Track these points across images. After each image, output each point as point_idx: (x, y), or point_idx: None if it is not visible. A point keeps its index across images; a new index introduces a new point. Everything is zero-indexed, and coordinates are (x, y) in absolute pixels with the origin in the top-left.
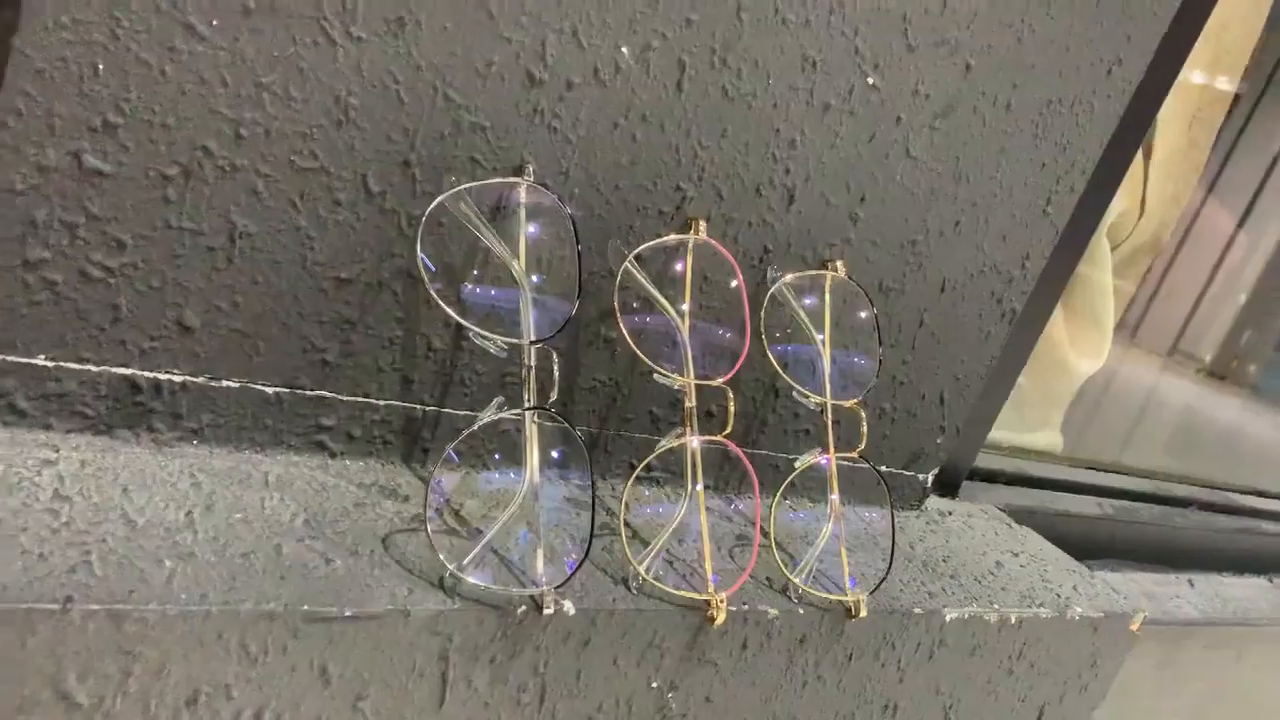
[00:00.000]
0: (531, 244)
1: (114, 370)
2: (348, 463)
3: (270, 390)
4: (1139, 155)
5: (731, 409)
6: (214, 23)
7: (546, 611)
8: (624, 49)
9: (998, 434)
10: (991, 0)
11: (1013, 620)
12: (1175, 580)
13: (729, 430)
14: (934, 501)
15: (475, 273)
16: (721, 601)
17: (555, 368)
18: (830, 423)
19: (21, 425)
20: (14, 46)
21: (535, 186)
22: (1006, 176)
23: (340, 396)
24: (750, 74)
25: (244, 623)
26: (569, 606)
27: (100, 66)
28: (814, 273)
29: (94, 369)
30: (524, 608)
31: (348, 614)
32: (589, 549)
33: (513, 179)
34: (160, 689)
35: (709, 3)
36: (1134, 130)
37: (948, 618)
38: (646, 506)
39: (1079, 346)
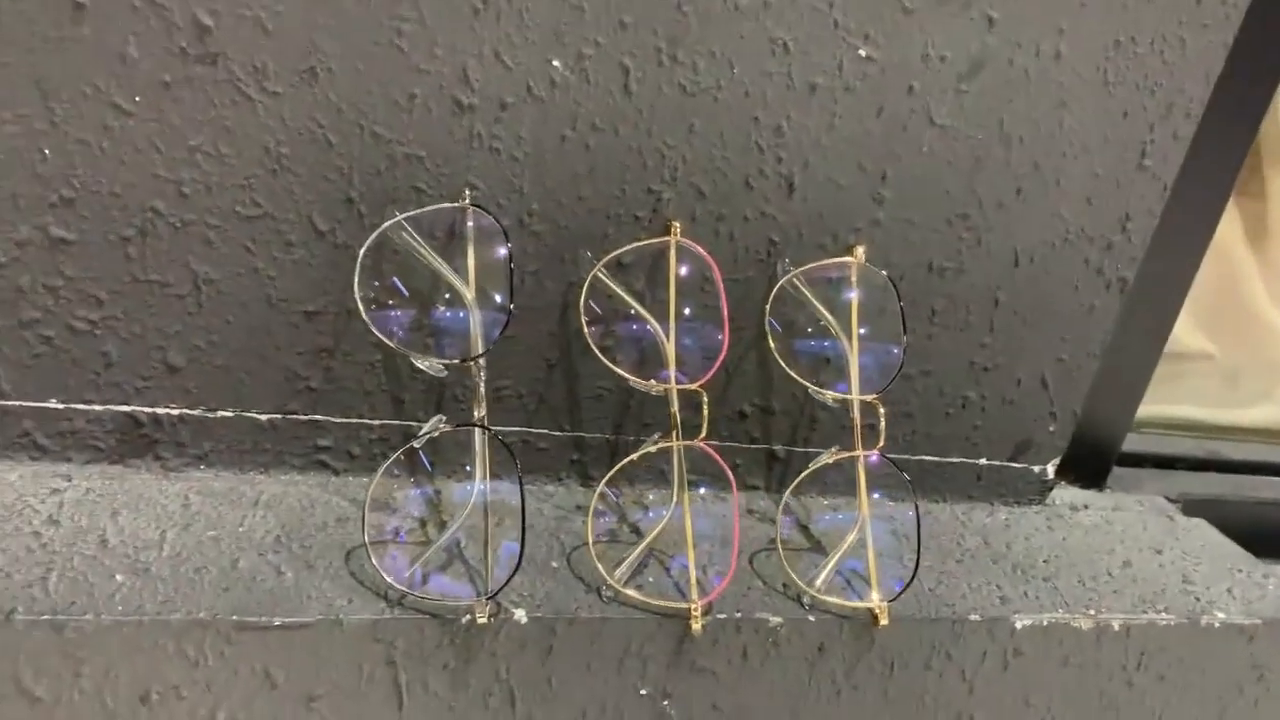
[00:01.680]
0: (479, 264)
1: (115, 408)
2: (350, 479)
3: (264, 417)
4: None
5: (705, 412)
6: (137, 99)
7: (480, 620)
8: (555, 62)
9: (1196, 412)
10: None
11: (1116, 627)
12: None
13: (704, 434)
14: (1068, 494)
15: (426, 297)
16: (696, 610)
17: (482, 383)
18: (857, 419)
19: (45, 459)
20: None
21: (473, 208)
22: (1074, 132)
23: (333, 419)
24: (708, 66)
25: (177, 631)
26: (521, 615)
27: (46, 150)
28: (829, 261)
29: (98, 408)
30: (468, 617)
31: (277, 623)
32: (520, 560)
33: (448, 204)
34: (112, 687)
35: (642, 3)
36: (1266, 54)
37: (1018, 625)
38: (650, 511)
39: None
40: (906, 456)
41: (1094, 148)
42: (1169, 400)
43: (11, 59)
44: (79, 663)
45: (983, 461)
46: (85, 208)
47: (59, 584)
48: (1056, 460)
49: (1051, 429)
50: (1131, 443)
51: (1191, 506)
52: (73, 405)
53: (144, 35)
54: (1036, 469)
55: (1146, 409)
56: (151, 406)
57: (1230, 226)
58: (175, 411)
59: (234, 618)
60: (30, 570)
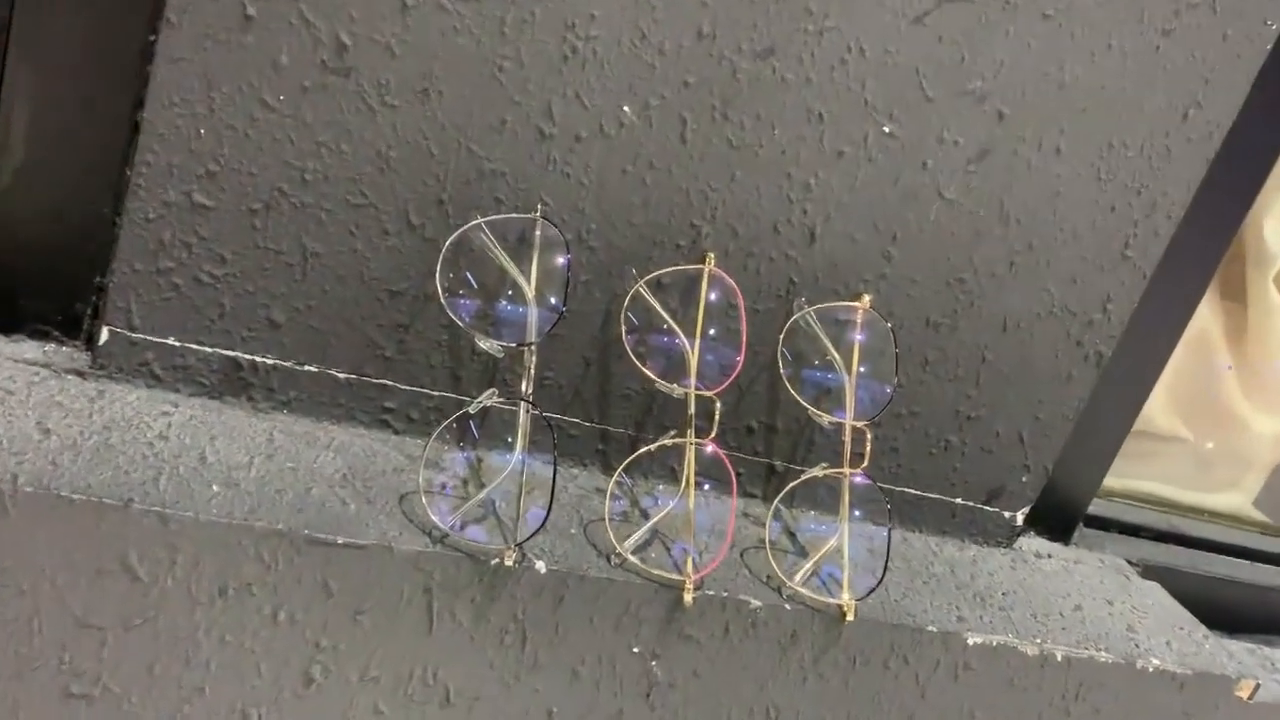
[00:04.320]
0: (541, 268)
1: (223, 352)
2: (406, 439)
3: (342, 376)
4: None
5: (716, 417)
6: (281, 98)
7: (507, 564)
8: (626, 108)
9: (1166, 490)
10: (1024, 48)
11: (1059, 658)
12: None
13: (714, 434)
14: (1035, 543)
15: (493, 290)
16: (689, 584)
17: (532, 366)
18: (848, 442)
19: (158, 387)
20: (143, 118)
21: (542, 220)
22: (1065, 219)
23: (400, 385)
24: (753, 126)
25: (258, 536)
26: (541, 566)
27: (201, 131)
28: (839, 304)
29: (208, 350)
30: (496, 560)
31: (340, 541)
32: (546, 519)
33: (522, 215)
34: (198, 577)
35: (705, 66)
36: (1244, 171)
37: (970, 641)
38: (659, 499)
39: (1257, 401)
40: (890, 487)
41: (1083, 234)
42: (1143, 476)
43: (186, 54)
44: (175, 551)
45: (958, 501)
46: (225, 181)
47: (167, 485)
48: (1026, 509)
49: (1024, 479)
50: (1101, 508)
51: (1149, 572)
52: (188, 345)
53: (295, 47)
54: (1007, 514)
55: (1120, 481)
56: (251, 354)
57: (1214, 325)
58: (270, 361)
59: (305, 532)
60: (144, 472)
